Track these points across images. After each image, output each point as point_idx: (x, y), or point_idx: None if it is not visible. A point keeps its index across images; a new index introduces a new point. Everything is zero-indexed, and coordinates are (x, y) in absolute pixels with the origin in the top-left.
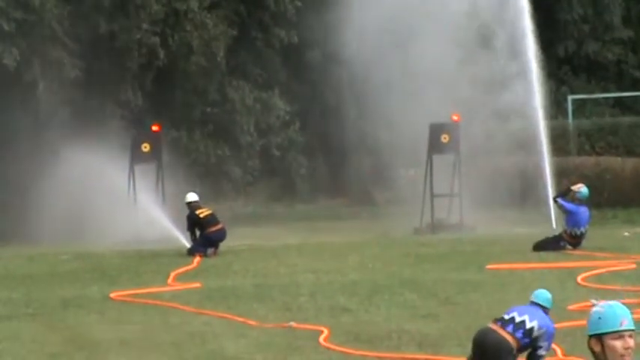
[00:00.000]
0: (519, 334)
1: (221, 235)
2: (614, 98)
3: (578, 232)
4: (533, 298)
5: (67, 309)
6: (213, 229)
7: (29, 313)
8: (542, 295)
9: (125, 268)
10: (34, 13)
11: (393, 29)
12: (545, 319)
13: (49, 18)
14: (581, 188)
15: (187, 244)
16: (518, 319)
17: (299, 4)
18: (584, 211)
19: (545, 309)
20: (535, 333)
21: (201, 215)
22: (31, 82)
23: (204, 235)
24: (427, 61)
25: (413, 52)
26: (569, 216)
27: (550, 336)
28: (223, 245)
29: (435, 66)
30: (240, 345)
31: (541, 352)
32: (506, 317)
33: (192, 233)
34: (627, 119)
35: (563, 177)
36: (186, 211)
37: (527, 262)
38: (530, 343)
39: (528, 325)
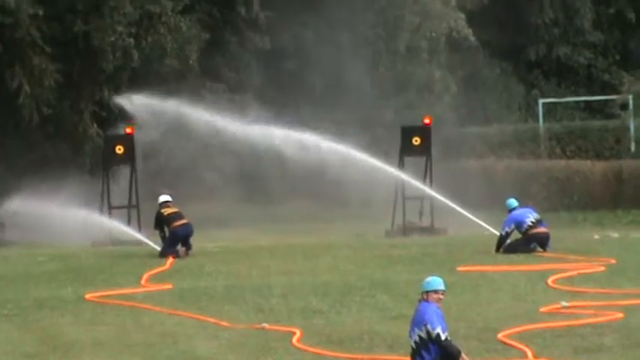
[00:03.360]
0: (434, 350)
1: (186, 230)
2: (584, 102)
3: (534, 220)
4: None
5: (42, 310)
6: (177, 224)
7: (4, 314)
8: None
9: (99, 270)
10: (11, 15)
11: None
12: (425, 314)
13: (26, 20)
14: (507, 201)
15: (157, 248)
16: (423, 337)
17: (269, 14)
18: (519, 211)
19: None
20: (431, 332)
21: (166, 213)
22: (15, 88)
23: (171, 232)
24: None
25: (386, 59)
26: (516, 225)
27: (423, 321)
28: (195, 246)
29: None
30: (213, 346)
31: (442, 335)
32: (414, 345)
33: (161, 230)
34: (597, 123)
35: (534, 179)
36: None
37: (498, 265)
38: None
39: (432, 334)
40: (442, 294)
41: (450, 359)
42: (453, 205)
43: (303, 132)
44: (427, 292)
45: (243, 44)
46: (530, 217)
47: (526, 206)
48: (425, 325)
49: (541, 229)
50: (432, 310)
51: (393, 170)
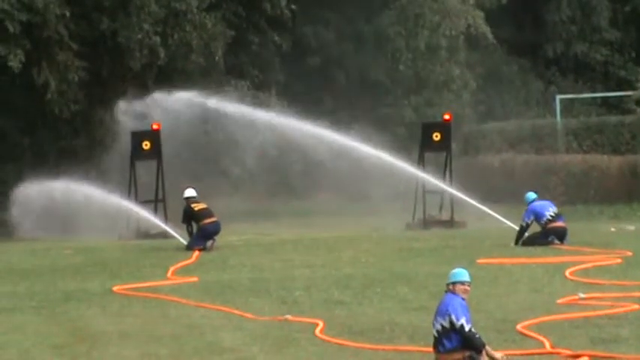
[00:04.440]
0: (455, 339)
1: (216, 227)
2: (601, 98)
3: (553, 214)
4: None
5: (70, 302)
6: (208, 221)
7: (33, 306)
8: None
9: (126, 263)
10: (39, 14)
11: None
12: (449, 305)
13: (52, 19)
14: (526, 195)
15: (184, 242)
16: (446, 326)
17: (294, 7)
18: (539, 203)
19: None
20: (455, 322)
21: (196, 209)
22: (41, 84)
23: (201, 228)
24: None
25: (406, 57)
26: (535, 217)
27: (447, 312)
28: (220, 240)
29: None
30: (237, 337)
31: (466, 326)
32: (436, 334)
33: (189, 225)
34: (613, 118)
35: (551, 174)
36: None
37: (516, 257)
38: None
39: (456, 324)
40: (468, 285)
41: (473, 349)
42: (470, 200)
43: (325, 128)
44: (453, 283)
45: (267, 42)
46: (550, 210)
47: (545, 200)
48: (449, 316)
49: (559, 224)
50: (457, 302)
51: (412, 167)
